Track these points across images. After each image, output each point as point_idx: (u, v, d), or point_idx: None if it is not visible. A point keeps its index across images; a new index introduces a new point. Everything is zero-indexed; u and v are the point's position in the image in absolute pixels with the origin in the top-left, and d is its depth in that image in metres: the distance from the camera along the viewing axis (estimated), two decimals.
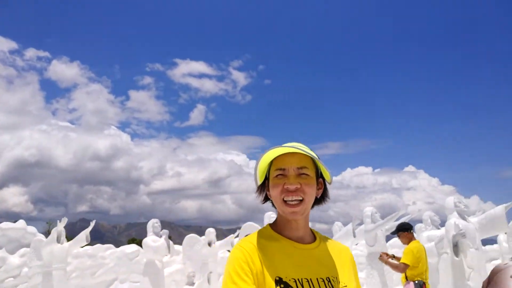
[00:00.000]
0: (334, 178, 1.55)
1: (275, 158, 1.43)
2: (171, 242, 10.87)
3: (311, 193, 1.42)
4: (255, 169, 1.48)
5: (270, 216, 9.33)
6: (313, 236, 1.53)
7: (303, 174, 1.42)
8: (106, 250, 13.37)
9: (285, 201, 1.41)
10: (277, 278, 1.33)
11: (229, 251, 12.51)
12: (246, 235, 1.52)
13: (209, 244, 12.55)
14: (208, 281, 11.64)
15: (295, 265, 1.37)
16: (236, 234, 12.44)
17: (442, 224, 9.53)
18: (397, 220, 9.44)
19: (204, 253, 12.42)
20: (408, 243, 5.83)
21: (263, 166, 1.46)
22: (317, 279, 1.37)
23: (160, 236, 10.47)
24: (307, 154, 1.40)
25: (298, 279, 1.35)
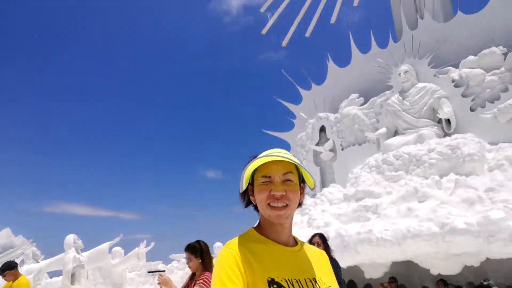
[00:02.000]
0: None
1: (260, 165, 1.46)
2: None
3: (295, 199, 1.47)
4: (242, 175, 1.50)
5: None
6: (294, 240, 1.58)
7: (288, 180, 1.45)
8: None
9: (270, 206, 1.44)
10: (269, 279, 1.35)
11: None
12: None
13: None
14: None
15: (284, 266, 1.41)
16: None
17: None
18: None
19: None
20: (15, 280, 6.03)
21: (249, 172, 1.49)
22: (305, 279, 1.42)
23: None
24: (292, 161, 1.44)
25: (289, 280, 1.38)
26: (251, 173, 1.51)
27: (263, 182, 1.46)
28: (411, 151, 11.10)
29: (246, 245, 1.43)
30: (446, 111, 11.76)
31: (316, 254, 1.59)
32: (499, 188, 8.20)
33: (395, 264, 9.63)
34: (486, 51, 12.03)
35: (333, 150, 15.17)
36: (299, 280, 1.41)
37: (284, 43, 19.46)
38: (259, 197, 1.46)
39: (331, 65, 17.07)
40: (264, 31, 19.86)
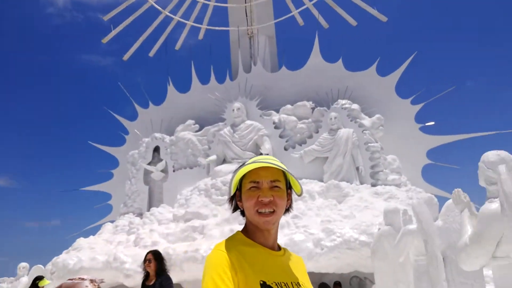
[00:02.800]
0: None
1: (248, 172, 1.51)
2: None
3: (282, 205, 1.52)
4: (231, 181, 1.56)
5: None
6: (278, 245, 1.62)
7: (276, 187, 1.50)
8: None
9: (258, 212, 1.48)
10: (261, 282, 1.39)
11: None
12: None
13: None
14: None
15: (273, 270, 1.46)
16: None
17: None
18: None
19: None
20: None
21: (237, 178, 1.54)
22: (291, 283, 1.47)
23: None
24: (279, 168, 1.49)
25: (278, 283, 1.42)
26: (240, 179, 1.55)
27: (250, 188, 1.50)
28: None
29: (237, 248, 1.46)
30: (267, 147, 13.84)
31: (295, 260, 1.64)
32: (301, 215, 10.23)
33: None
34: (300, 103, 14.81)
35: (164, 170, 15.59)
36: (287, 283, 1.45)
37: (126, 57, 19.17)
38: (247, 204, 1.50)
39: (171, 88, 17.70)
40: (105, 40, 19.13)
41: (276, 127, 14.55)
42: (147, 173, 15.82)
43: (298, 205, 11.22)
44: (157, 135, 16.11)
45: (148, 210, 14.42)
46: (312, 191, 11.66)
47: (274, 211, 1.48)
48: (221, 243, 1.50)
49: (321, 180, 12.64)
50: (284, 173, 1.54)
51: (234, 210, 1.62)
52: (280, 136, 14.41)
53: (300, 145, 13.99)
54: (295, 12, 18.83)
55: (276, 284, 1.41)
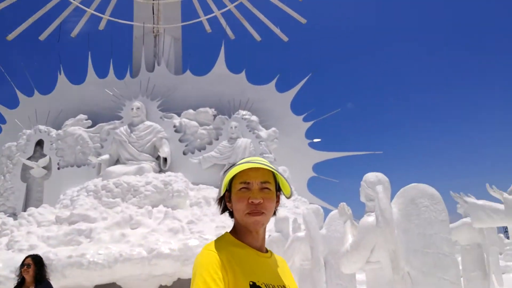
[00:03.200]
0: None
1: (239, 172, 1.50)
2: None
3: (271, 208, 1.52)
4: (221, 181, 1.56)
5: None
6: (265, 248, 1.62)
7: (266, 188, 1.49)
8: None
9: (248, 213, 1.47)
10: (251, 283, 1.38)
11: None
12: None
13: None
14: None
15: (261, 271, 1.47)
16: None
17: None
18: None
19: None
20: None
21: (227, 179, 1.53)
22: (278, 286, 1.48)
23: None
24: (270, 169, 1.49)
25: (267, 284, 1.42)
26: (229, 179, 1.54)
27: (240, 189, 1.49)
28: (131, 181, 12.11)
29: (227, 248, 1.45)
30: (166, 150, 13.65)
31: (280, 262, 1.65)
32: (197, 221, 10.35)
33: (97, 287, 10.04)
34: (202, 109, 14.97)
35: (47, 167, 14.22)
36: (274, 286, 1.45)
37: (11, 37, 17.04)
38: (237, 206, 1.50)
39: (62, 78, 16.30)
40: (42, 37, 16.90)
41: (176, 131, 14.44)
42: (25, 168, 14.22)
43: (193, 210, 11.32)
44: (42, 127, 14.63)
45: (24, 210, 12.96)
46: (208, 197, 11.87)
47: (263, 213, 1.48)
48: (210, 244, 1.49)
49: (218, 187, 12.93)
50: (274, 175, 1.53)
51: (223, 211, 1.61)
52: (180, 140, 14.35)
53: (200, 151, 14.12)
54: (203, 18, 19.03)
55: (265, 285, 1.42)
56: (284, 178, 1.52)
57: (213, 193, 12.26)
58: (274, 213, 1.57)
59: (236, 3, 18.68)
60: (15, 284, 5.68)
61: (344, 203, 5.24)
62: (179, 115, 15.02)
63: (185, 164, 13.80)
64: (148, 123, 14.34)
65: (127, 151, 13.75)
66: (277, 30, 18.69)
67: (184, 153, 14.17)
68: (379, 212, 4.11)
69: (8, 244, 10.04)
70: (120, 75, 16.33)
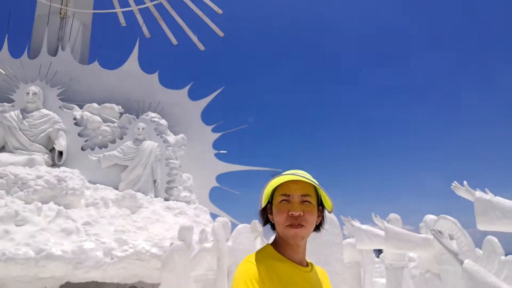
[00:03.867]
0: None
1: (280, 184, 1.51)
2: None
3: (312, 221, 1.52)
4: (262, 193, 1.56)
5: None
6: (306, 261, 1.63)
7: (306, 201, 1.50)
8: None
9: (288, 225, 1.48)
10: None
11: None
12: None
13: None
14: None
15: (301, 285, 1.48)
16: None
17: None
18: None
19: None
20: None
21: (268, 190, 1.54)
22: None
23: None
24: (310, 182, 1.49)
25: None
26: (271, 191, 1.55)
27: (281, 201, 1.51)
28: (18, 173, 11.02)
29: (266, 261, 1.47)
30: (62, 144, 12.73)
31: (321, 275, 1.67)
32: (93, 222, 9.92)
33: None
34: (107, 104, 14.35)
35: None
36: None
37: None
38: (278, 218, 1.51)
39: None
40: None
41: (76, 124, 13.58)
42: None
43: (90, 211, 10.81)
44: None
45: None
46: (106, 198, 11.44)
47: (303, 226, 1.48)
48: (251, 255, 1.52)
49: (117, 188, 12.54)
50: (315, 189, 1.54)
51: (265, 223, 1.61)
52: (79, 135, 13.52)
53: (100, 148, 13.49)
54: (118, 10, 18.26)
55: None
56: (325, 192, 1.53)
57: (112, 194, 11.87)
58: (318, 228, 1.61)
59: (155, 2, 18.37)
60: None
61: (256, 221, 5.80)
62: (81, 107, 14.17)
63: (83, 161, 13.04)
64: (44, 111, 13.21)
65: (17, 139, 12.47)
66: (194, 38, 18.87)
67: (83, 149, 13.39)
68: None
69: None
70: (16, 54, 14.76)
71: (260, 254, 1.51)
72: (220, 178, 16.11)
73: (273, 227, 1.58)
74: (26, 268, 8.30)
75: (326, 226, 4.95)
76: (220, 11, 19.54)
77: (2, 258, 8.15)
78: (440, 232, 3.85)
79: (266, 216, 1.61)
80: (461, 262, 3.45)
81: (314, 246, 4.98)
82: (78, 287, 9.75)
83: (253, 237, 5.73)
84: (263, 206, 1.58)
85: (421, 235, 5.68)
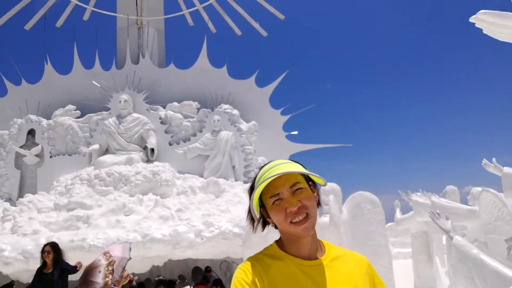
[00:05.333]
0: None
1: (264, 187, 1.42)
2: None
3: (313, 205, 1.44)
4: (250, 204, 1.49)
5: None
6: (323, 251, 1.52)
7: (298, 189, 1.42)
8: None
9: (292, 223, 1.40)
10: None
11: None
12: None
13: None
14: None
15: (298, 284, 1.39)
16: None
17: None
18: None
19: None
20: None
21: (256, 200, 1.47)
22: None
23: None
24: (292, 172, 1.40)
25: None
26: (259, 198, 1.47)
27: (274, 202, 1.42)
28: (121, 171, 13.22)
29: (262, 262, 1.43)
30: (153, 142, 14.74)
31: (351, 263, 1.51)
32: (184, 209, 11.66)
33: None
34: (186, 102, 16.04)
35: (39, 155, 15.08)
36: None
37: None
38: (277, 219, 1.43)
39: (49, 68, 16.90)
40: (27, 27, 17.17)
41: (162, 123, 15.50)
42: (18, 156, 15.02)
43: (181, 199, 12.59)
44: (33, 117, 15.37)
45: (19, 196, 13.93)
46: (193, 186, 13.14)
47: (307, 215, 1.41)
48: (251, 256, 1.49)
49: (202, 176, 14.23)
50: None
51: (264, 227, 1.55)
52: (166, 132, 15.44)
53: (184, 142, 15.26)
54: (185, 12, 19.77)
55: None
56: (313, 173, 1.44)
57: (198, 182, 13.53)
58: (319, 204, 1.51)
59: None
60: (39, 266, 6.99)
61: None
62: (164, 107, 16.04)
63: (171, 155, 14.93)
64: (135, 115, 15.32)
65: (116, 142, 14.76)
66: (256, 25, 19.68)
67: (170, 144, 15.28)
68: (330, 215, 5.54)
69: (12, 229, 11.08)
70: (105, 66, 17.06)
71: (259, 254, 1.50)
72: (293, 157, 17.04)
73: (275, 225, 1.51)
74: (136, 250, 10.23)
75: (368, 206, 5.65)
76: None
77: (117, 243, 10.18)
78: (438, 213, 4.31)
79: (263, 221, 1.54)
80: (451, 238, 3.94)
81: (358, 224, 5.71)
82: (179, 263, 11.64)
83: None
84: (258, 216, 1.52)
85: (466, 206, 5.99)
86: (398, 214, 11.54)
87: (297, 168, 1.44)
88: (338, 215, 5.59)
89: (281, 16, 19.80)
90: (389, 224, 19.08)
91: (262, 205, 1.50)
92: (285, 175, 1.41)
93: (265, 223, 1.55)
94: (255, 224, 1.55)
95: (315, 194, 1.49)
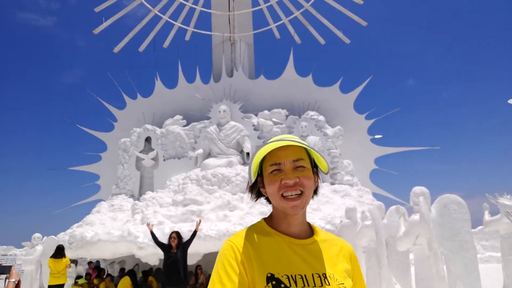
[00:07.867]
0: None
1: (268, 153, 1.38)
2: None
3: (310, 185, 1.38)
4: (249, 166, 1.44)
5: None
6: (311, 232, 1.49)
7: (300, 166, 1.38)
8: None
9: (284, 197, 1.36)
10: (269, 275, 1.30)
11: None
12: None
13: None
14: None
15: (287, 261, 1.35)
16: None
17: None
18: None
19: None
20: None
21: (256, 162, 1.42)
22: (312, 274, 1.33)
23: None
24: (301, 145, 1.38)
25: (292, 276, 1.31)
26: (259, 163, 1.43)
27: (272, 172, 1.38)
28: (224, 172, 15.26)
29: (250, 237, 1.38)
30: (248, 146, 16.63)
31: (336, 247, 1.48)
32: None
33: (206, 256, 13.39)
34: (275, 110, 17.70)
35: (155, 159, 17.83)
36: (305, 275, 1.32)
37: (116, 49, 20.72)
38: (270, 189, 1.39)
39: (159, 83, 19.72)
40: (96, 31, 20.49)
41: (255, 129, 17.34)
42: (138, 160, 17.94)
43: None
44: (149, 126, 18.21)
45: (140, 193, 16.72)
46: None
47: (301, 193, 1.36)
48: (237, 232, 1.45)
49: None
50: (307, 151, 1.43)
51: (257, 197, 1.54)
52: (258, 137, 17.24)
53: None
54: (272, 26, 21.48)
55: (288, 277, 1.30)
56: (318, 153, 1.42)
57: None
58: (315, 192, 1.47)
59: (301, 10, 20.90)
60: (166, 247, 9.18)
61: (399, 205, 7.78)
62: (256, 115, 17.86)
63: None
64: (232, 123, 17.36)
65: (217, 147, 16.92)
66: (339, 33, 20.69)
67: None
68: (421, 215, 6.60)
69: (142, 220, 13.64)
70: (205, 80, 19.42)
71: (248, 230, 1.45)
72: (379, 160, 17.83)
73: (268, 200, 1.49)
74: None
75: (454, 206, 6.66)
76: (361, 2, 20.77)
77: (227, 234, 12.11)
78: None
79: (258, 190, 1.53)
80: None
81: (445, 222, 6.65)
82: None
83: (398, 217, 7.62)
84: (253, 181, 1.49)
85: None
86: (486, 216, 11.89)
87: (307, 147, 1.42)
88: (428, 213, 6.63)
89: (363, 23, 20.56)
90: (479, 227, 18.89)
91: (260, 174, 1.48)
92: (291, 149, 1.40)
93: (259, 195, 1.55)
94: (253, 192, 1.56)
95: (315, 180, 1.46)
